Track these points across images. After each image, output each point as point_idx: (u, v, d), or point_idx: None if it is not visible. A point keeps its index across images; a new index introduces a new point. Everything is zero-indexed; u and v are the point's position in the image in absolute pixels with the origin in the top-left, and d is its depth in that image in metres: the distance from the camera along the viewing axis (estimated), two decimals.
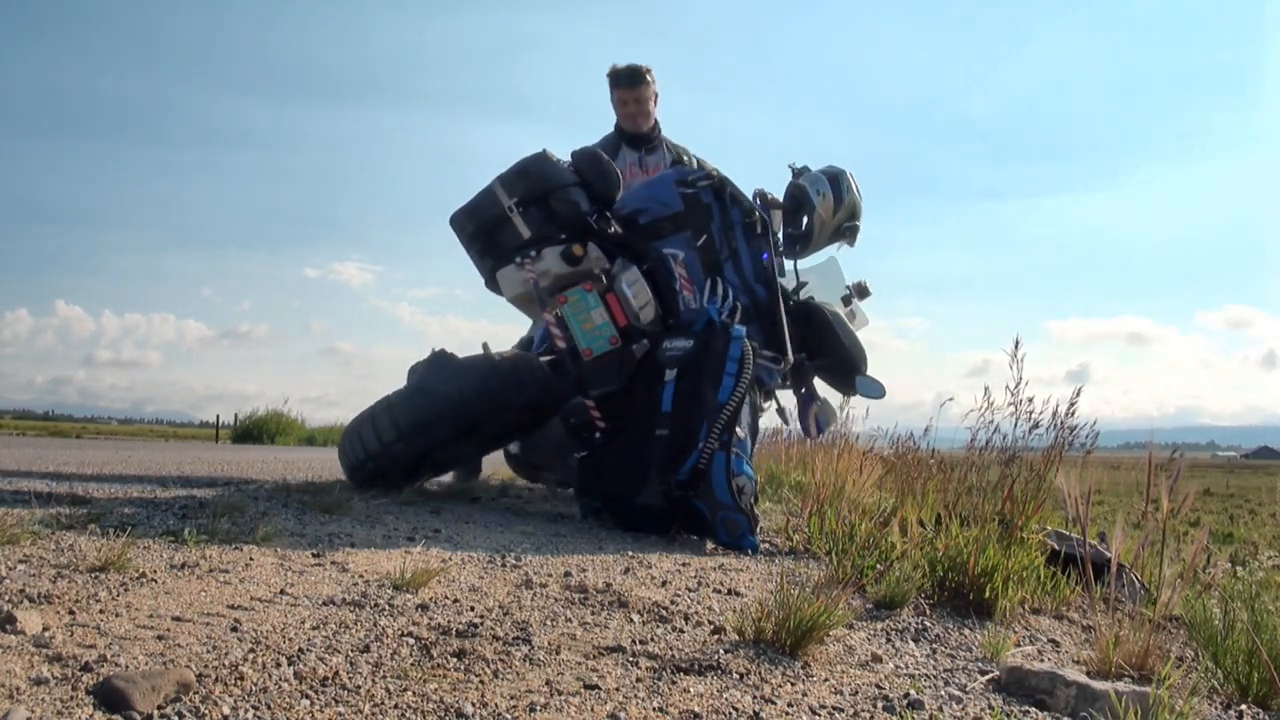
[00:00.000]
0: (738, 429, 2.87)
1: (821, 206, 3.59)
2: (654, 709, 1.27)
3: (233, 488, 3.10)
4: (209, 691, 1.12)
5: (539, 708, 1.22)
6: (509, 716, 1.18)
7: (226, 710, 1.08)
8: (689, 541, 2.92)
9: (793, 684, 1.46)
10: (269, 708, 1.11)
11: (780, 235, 3.57)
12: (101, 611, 1.39)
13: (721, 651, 1.57)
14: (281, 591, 1.64)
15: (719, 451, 2.81)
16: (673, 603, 1.89)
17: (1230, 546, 7.18)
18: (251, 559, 1.85)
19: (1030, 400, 3.10)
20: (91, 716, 1.02)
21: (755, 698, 1.37)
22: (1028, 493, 2.95)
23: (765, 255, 3.35)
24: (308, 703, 1.14)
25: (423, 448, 3.04)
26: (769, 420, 3.63)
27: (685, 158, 4.29)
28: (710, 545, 2.88)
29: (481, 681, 1.29)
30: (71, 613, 1.36)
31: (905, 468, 4.06)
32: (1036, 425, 3.15)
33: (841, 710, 1.38)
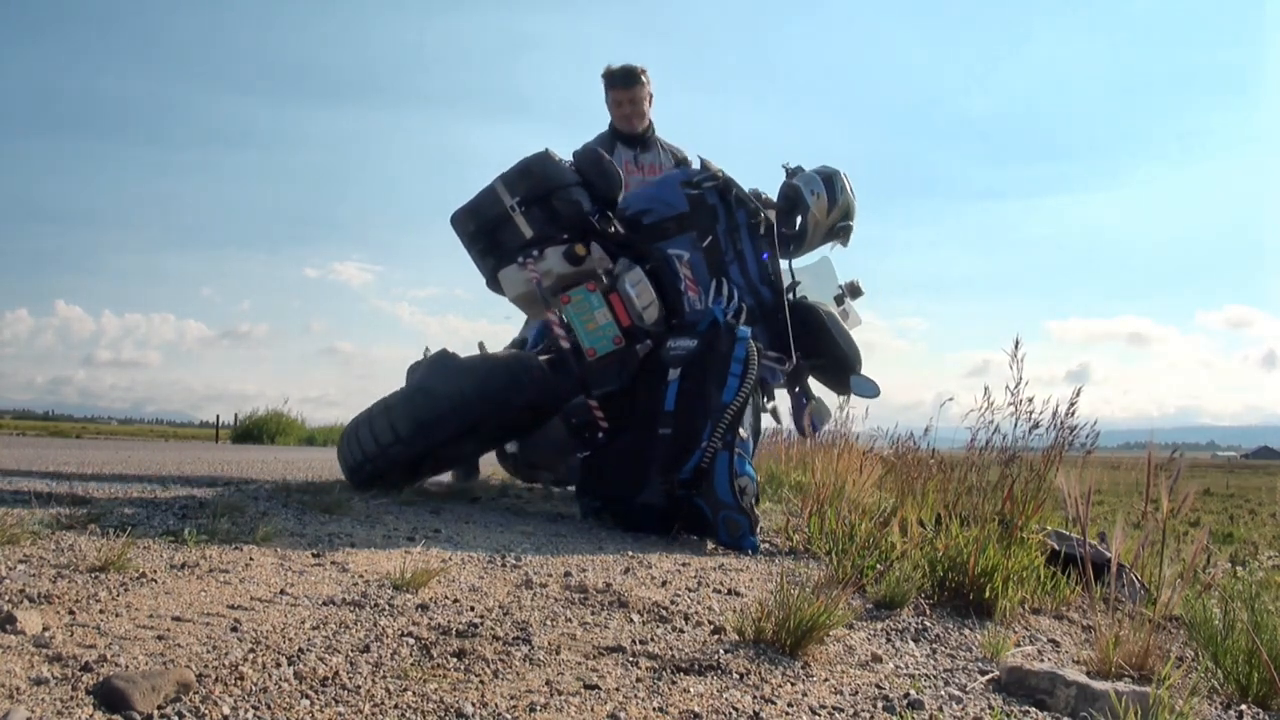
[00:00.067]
0: (740, 429, 2.87)
1: (816, 206, 3.60)
2: (654, 709, 1.27)
3: (233, 488, 3.10)
4: (209, 691, 1.12)
5: (539, 708, 1.22)
6: (509, 716, 1.18)
7: (226, 710, 1.08)
8: (689, 541, 2.92)
9: (793, 684, 1.46)
10: (269, 708, 1.11)
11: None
12: (101, 611, 1.39)
13: (721, 651, 1.57)
14: (281, 591, 1.64)
15: (722, 451, 2.81)
16: (673, 603, 1.89)
17: (1230, 546, 7.18)
18: (251, 559, 1.85)
19: (1030, 400, 3.11)
20: (91, 716, 1.02)
21: (755, 698, 1.37)
22: (1028, 493, 2.95)
23: (765, 255, 3.35)
24: (308, 703, 1.14)
25: (423, 448, 3.04)
26: (766, 420, 3.64)
27: (679, 157, 4.30)
28: (710, 545, 2.88)
29: (481, 681, 1.29)
30: (71, 613, 1.36)
31: (905, 468, 4.06)
32: (1036, 425, 3.15)
33: (841, 710, 1.38)
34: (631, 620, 1.73)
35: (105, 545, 1.76)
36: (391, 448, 3.01)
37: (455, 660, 1.37)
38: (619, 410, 3.15)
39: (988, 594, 2.24)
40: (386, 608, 1.60)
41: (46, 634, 1.25)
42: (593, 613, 1.75)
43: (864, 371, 3.56)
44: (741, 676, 1.46)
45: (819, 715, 1.35)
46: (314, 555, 1.97)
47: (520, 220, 3.18)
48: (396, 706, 1.16)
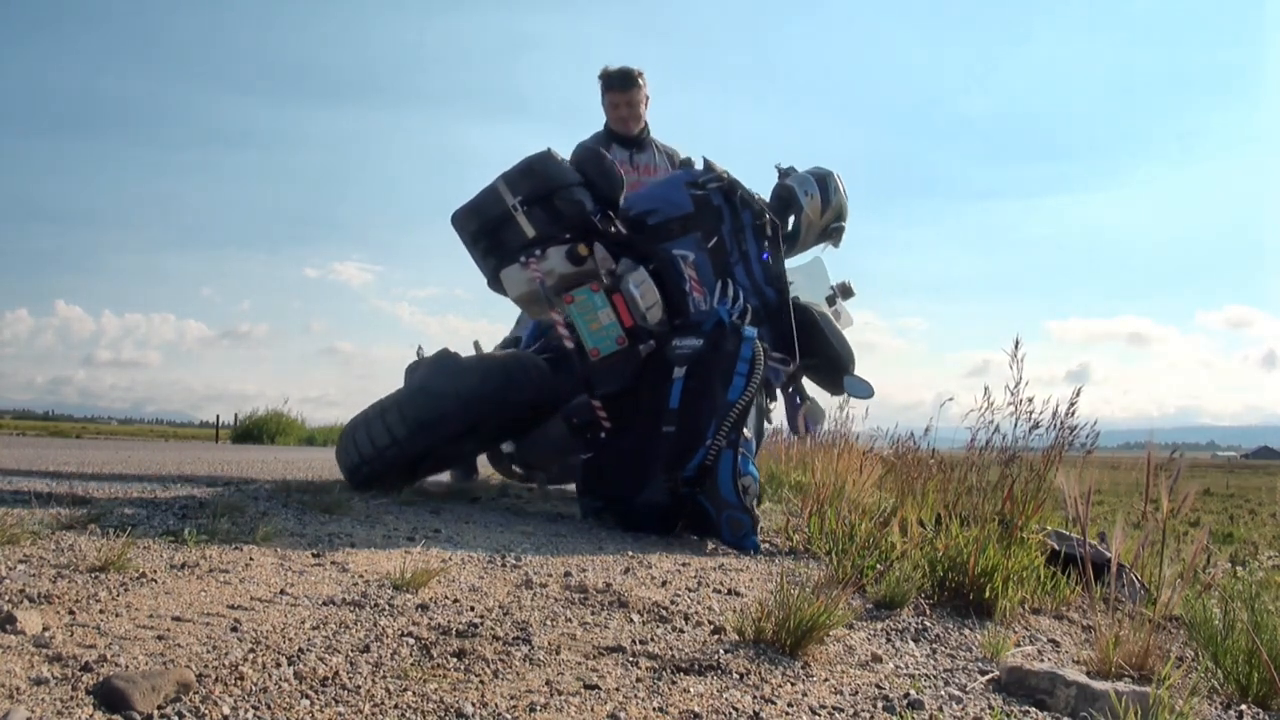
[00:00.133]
0: (745, 429, 2.87)
1: (809, 207, 3.60)
2: (654, 709, 1.27)
3: (233, 488, 3.10)
4: (209, 691, 1.12)
5: (539, 708, 1.22)
6: (509, 716, 1.18)
7: (226, 710, 1.08)
8: (689, 541, 2.92)
9: (793, 684, 1.46)
10: (269, 708, 1.11)
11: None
12: (101, 611, 1.39)
13: (721, 651, 1.57)
14: (281, 591, 1.64)
15: (727, 449, 2.82)
16: (673, 603, 1.89)
17: (1230, 546, 7.18)
18: (251, 559, 1.85)
19: (1030, 400, 3.10)
20: (91, 716, 1.02)
21: (755, 698, 1.37)
22: (1028, 493, 2.95)
23: (765, 255, 3.35)
24: (308, 703, 1.14)
25: (425, 447, 3.04)
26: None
27: (674, 157, 4.30)
28: (710, 545, 2.88)
29: (481, 681, 1.29)
30: (71, 613, 1.36)
31: (905, 468, 4.05)
32: (1036, 425, 3.15)
33: (841, 710, 1.38)
34: (631, 620, 1.73)
35: (105, 545, 1.76)
36: (389, 449, 3.01)
37: (455, 660, 1.37)
38: (621, 410, 3.16)
39: (988, 594, 2.24)
40: (386, 608, 1.60)
41: (46, 634, 1.25)
42: (593, 613, 1.75)
43: (864, 371, 3.56)
44: (741, 676, 1.46)
45: (819, 715, 1.35)
46: (314, 555, 1.97)
47: (522, 220, 3.17)
48: (396, 706, 1.16)
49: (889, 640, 1.89)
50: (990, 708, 1.48)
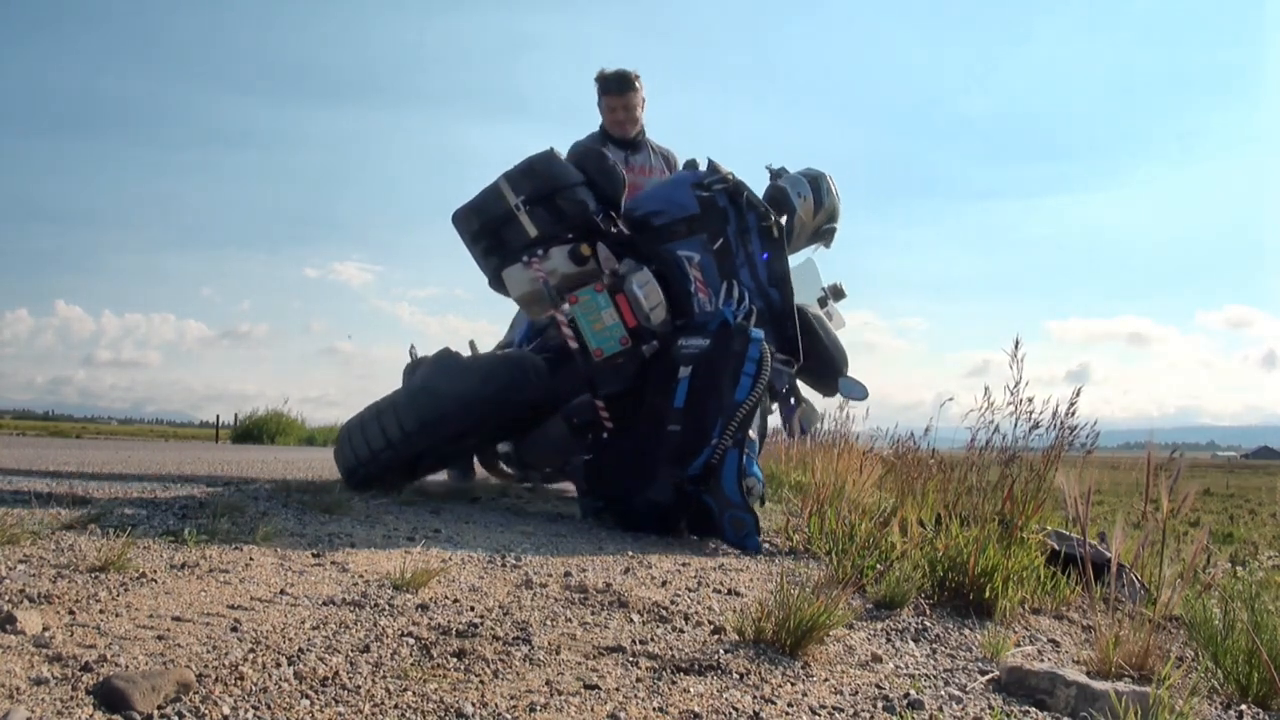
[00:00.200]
0: (750, 430, 2.87)
1: (802, 209, 3.60)
2: (654, 709, 1.27)
3: (233, 488, 3.10)
4: (209, 691, 1.12)
5: (539, 708, 1.22)
6: (509, 716, 1.18)
7: (226, 710, 1.08)
8: (689, 541, 2.92)
9: (793, 684, 1.46)
10: (269, 708, 1.11)
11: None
12: (101, 611, 1.39)
13: (721, 651, 1.57)
14: (281, 591, 1.64)
15: (732, 449, 2.82)
16: (673, 603, 1.89)
17: (1230, 546, 7.18)
18: (251, 559, 1.85)
19: (1030, 400, 3.10)
20: (91, 716, 1.02)
21: (755, 698, 1.37)
22: (1028, 493, 2.95)
23: (765, 255, 3.35)
24: (308, 703, 1.14)
25: (425, 446, 3.04)
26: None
27: (669, 158, 4.30)
28: (710, 545, 2.88)
29: (481, 681, 1.29)
30: (71, 613, 1.36)
31: (905, 468, 4.05)
32: (1036, 425, 3.14)
33: (841, 710, 1.38)
34: (631, 620, 1.73)
35: (105, 545, 1.76)
36: (384, 451, 3.02)
37: (455, 660, 1.37)
38: (624, 410, 3.16)
39: (988, 594, 2.24)
40: (386, 608, 1.60)
41: (46, 634, 1.25)
42: (593, 613, 1.75)
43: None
44: (741, 676, 1.46)
45: (819, 715, 1.35)
46: (314, 555, 1.97)
47: (525, 219, 3.17)
48: (396, 706, 1.16)
49: (889, 640, 1.89)
50: (990, 708, 1.47)
